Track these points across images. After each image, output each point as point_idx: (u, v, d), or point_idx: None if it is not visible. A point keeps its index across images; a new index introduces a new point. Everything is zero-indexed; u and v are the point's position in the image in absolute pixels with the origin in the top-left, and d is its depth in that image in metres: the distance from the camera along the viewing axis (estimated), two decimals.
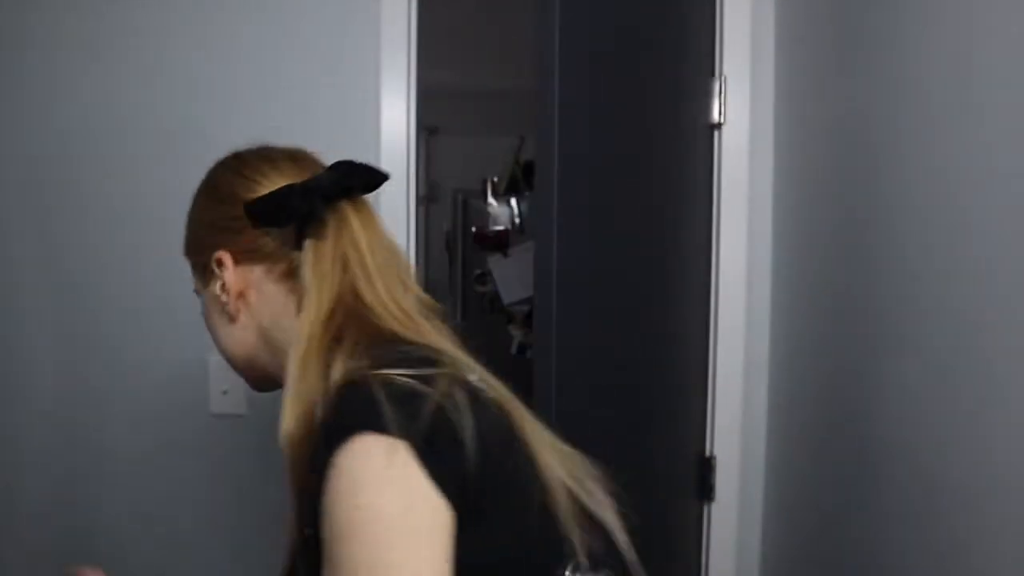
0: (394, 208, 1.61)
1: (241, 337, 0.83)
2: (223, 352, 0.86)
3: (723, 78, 1.58)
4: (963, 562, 0.93)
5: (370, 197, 0.91)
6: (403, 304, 0.79)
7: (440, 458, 0.65)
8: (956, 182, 0.96)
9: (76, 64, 1.64)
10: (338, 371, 0.70)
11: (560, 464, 0.79)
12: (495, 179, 3.32)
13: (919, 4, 1.06)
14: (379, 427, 0.64)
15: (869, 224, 1.19)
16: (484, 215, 3.29)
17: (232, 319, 0.83)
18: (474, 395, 0.71)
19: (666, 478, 1.53)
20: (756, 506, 1.64)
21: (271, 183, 0.81)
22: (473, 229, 3.29)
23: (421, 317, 0.80)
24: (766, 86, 1.59)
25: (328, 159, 1.72)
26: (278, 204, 0.79)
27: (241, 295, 0.82)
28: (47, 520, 1.69)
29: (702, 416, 1.64)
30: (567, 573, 1.06)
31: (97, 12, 1.63)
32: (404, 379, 0.67)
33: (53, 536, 1.70)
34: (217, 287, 0.82)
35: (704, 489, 1.63)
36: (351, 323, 0.74)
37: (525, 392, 0.88)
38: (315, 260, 0.77)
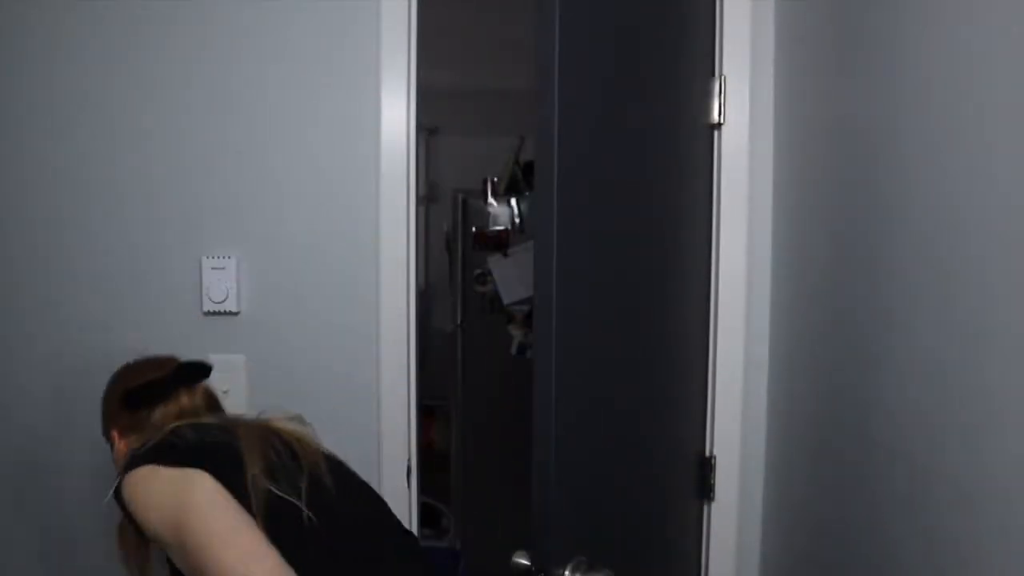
0: (394, 208, 1.61)
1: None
2: None
3: (723, 78, 1.58)
4: (963, 562, 0.93)
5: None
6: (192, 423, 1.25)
7: (171, 458, 1.12)
8: (956, 182, 0.96)
9: (83, 68, 1.64)
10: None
11: (255, 463, 1.14)
12: (495, 179, 3.32)
13: (919, 4, 1.06)
14: (130, 467, 1.13)
15: (869, 224, 1.19)
16: (484, 215, 3.29)
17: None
18: (202, 428, 1.20)
19: (666, 478, 1.53)
20: (756, 506, 1.64)
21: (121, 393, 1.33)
22: (473, 229, 3.29)
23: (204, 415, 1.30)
24: (766, 86, 1.59)
25: (328, 159, 1.72)
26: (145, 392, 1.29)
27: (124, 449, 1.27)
28: (47, 520, 1.69)
29: (702, 416, 1.64)
30: (567, 573, 1.06)
31: (99, 9, 1.63)
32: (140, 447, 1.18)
33: (53, 536, 1.70)
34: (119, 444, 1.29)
35: (704, 489, 1.63)
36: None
37: (525, 392, 0.91)
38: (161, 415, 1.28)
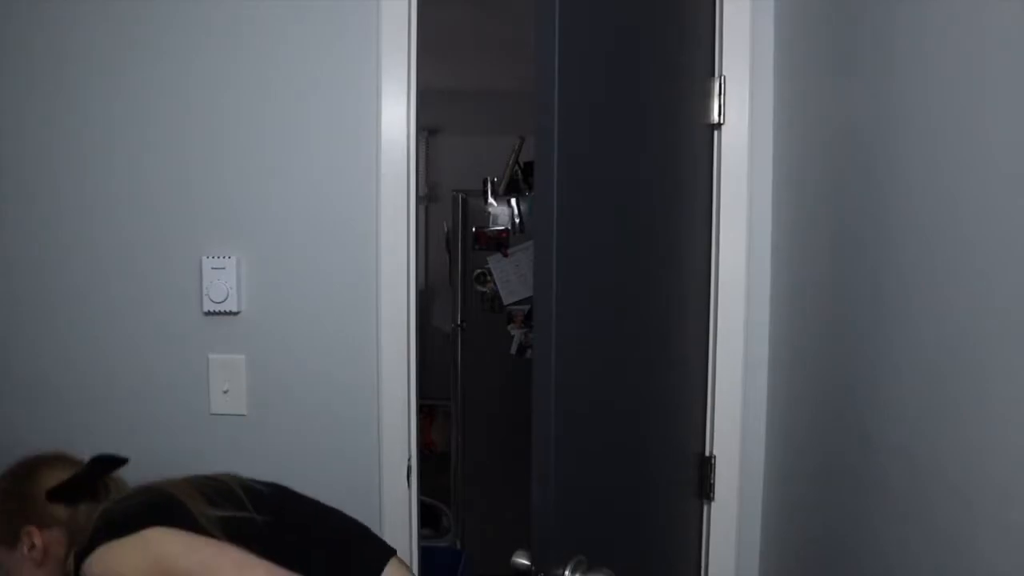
0: (394, 208, 1.61)
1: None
2: None
3: (723, 78, 1.58)
4: (962, 562, 0.93)
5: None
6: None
7: (119, 527, 1.18)
8: (955, 181, 0.96)
9: (83, 69, 1.64)
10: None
11: (192, 498, 1.23)
12: (495, 179, 3.32)
13: (918, 4, 1.06)
14: (84, 554, 1.18)
15: (868, 223, 1.19)
16: (484, 215, 3.29)
17: (39, 564, 1.27)
18: (130, 498, 1.26)
19: (666, 478, 1.53)
20: (756, 506, 1.64)
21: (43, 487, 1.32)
22: (473, 229, 3.29)
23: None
24: (766, 86, 1.59)
25: (328, 159, 1.72)
26: (84, 479, 1.30)
27: (46, 548, 1.27)
28: None
29: (702, 416, 1.64)
30: (567, 572, 1.06)
31: (98, 15, 1.63)
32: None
33: None
34: (25, 549, 1.27)
35: (704, 489, 1.63)
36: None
37: (525, 392, 0.91)
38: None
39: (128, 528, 1.16)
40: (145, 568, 1.13)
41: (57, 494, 1.30)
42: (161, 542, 1.14)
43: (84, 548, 1.18)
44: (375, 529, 1.63)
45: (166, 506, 1.20)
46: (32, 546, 1.27)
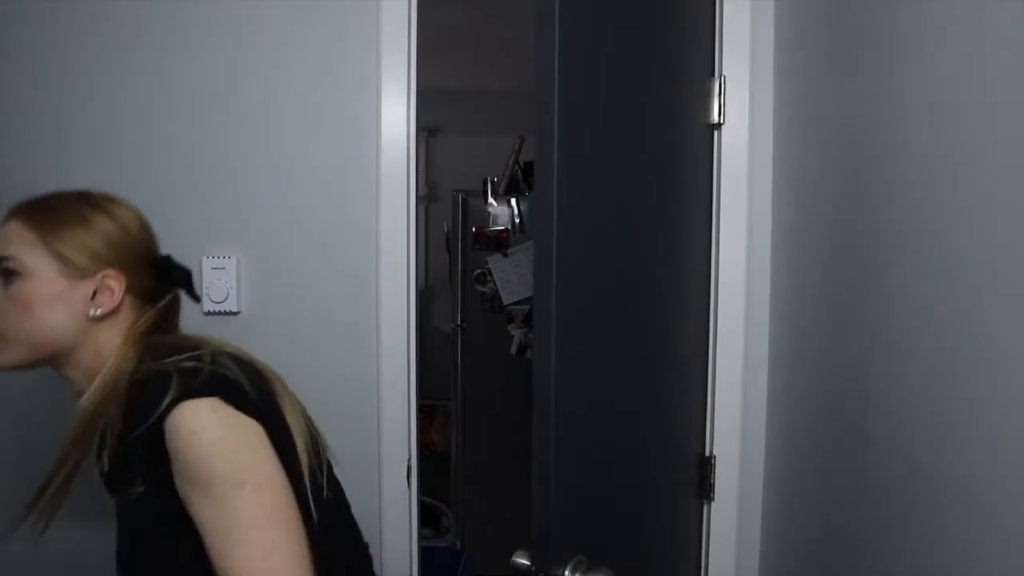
0: (394, 208, 1.61)
1: (68, 331, 1.02)
2: (36, 332, 1.02)
3: (723, 78, 1.59)
4: (962, 561, 0.93)
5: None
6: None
7: (239, 399, 0.94)
8: (955, 181, 0.96)
9: (83, 68, 1.64)
10: (135, 365, 1.00)
11: (301, 434, 1.03)
12: (495, 179, 3.32)
13: (918, 4, 1.06)
14: (191, 394, 0.91)
15: (868, 224, 1.19)
16: (484, 215, 3.29)
17: (79, 318, 1.02)
18: (236, 358, 1.01)
19: (666, 478, 1.53)
20: (756, 506, 1.64)
21: (155, 249, 1.12)
22: (473, 229, 3.29)
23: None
24: (766, 86, 1.59)
25: (328, 159, 1.72)
26: (180, 273, 1.12)
27: (114, 310, 1.04)
28: None
29: (702, 416, 1.64)
30: (567, 572, 1.06)
31: (97, 12, 1.63)
32: (181, 362, 0.95)
33: (51, 537, 1.69)
34: (89, 292, 1.02)
35: (704, 489, 1.63)
36: (156, 341, 1.04)
37: (525, 392, 0.92)
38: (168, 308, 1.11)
39: (245, 404, 0.94)
40: (235, 462, 0.90)
41: (167, 261, 1.10)
42: (263, 458, 0.93)
43: (159, 400, 0.90)
44: (375, 529, 1.64)
45: (275, 415, 0.99)
46: (106, 291, 1.03)
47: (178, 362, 0.95)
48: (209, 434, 0.90)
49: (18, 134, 1.65)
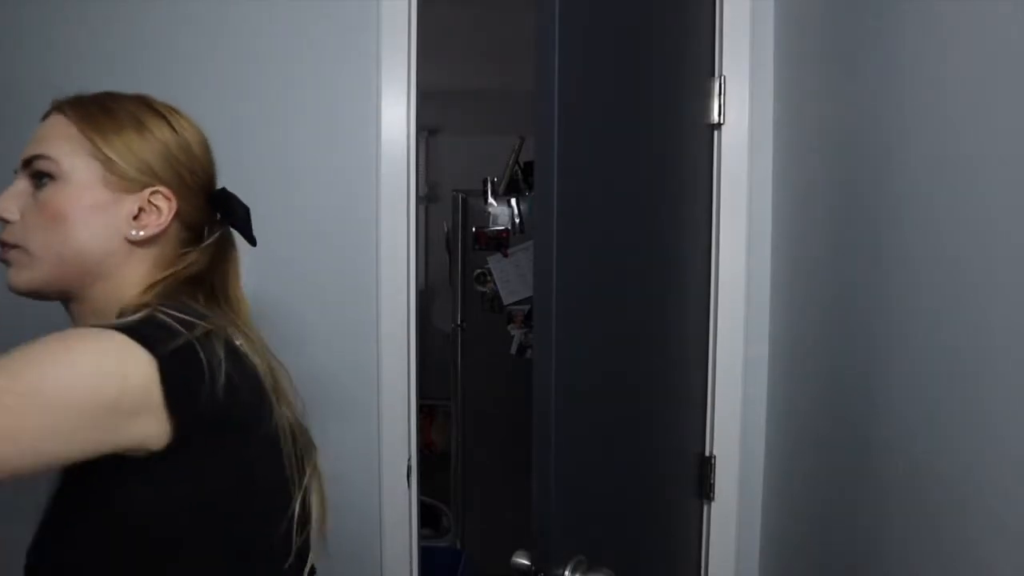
0: (394, 208, 1.61)
1: (101, 252, 0.87)
2: (66, 248, 0.86)
3: (723, 78, 1.59)
4: (962, 561, 0.93)
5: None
6: (236, 295, 0.95)
7: (176, 379, 0.74)
8: (956, 180, 0.96)
9: (84, 67, 1.64)
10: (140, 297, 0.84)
11: (292, 436, 0.89)
12: (495, 179, 3.32)
13: (918, 4, 1.06)
14: (143, 341, 0.73)
15: (868, 223, 1.19)
16: (484, 215, 3.29)
17: (118, 239, 0.87)
18: (231, 349, 0.83)
19: (666, 478, 1.53)
20: (756, 506, 1.64)
21: (215, 177, 0.99)
22: (473, 229, 3.29)
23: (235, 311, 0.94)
24: (766, 86, 1.59)
25: (328, 159, 1.72)
26: (240, 209, 0.96)
27: (156, 236, 0.89)
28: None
29: (702, 416, 1.64)
30: (567, 572, 1.07)
31: (96, 11, 1.63)
32: (172, 319, 0.78)
33: None
34: (134, 208, 0.87)
35: (704, 489, 1.63)
36: (182, 288, 0.88)
37: (525, 392, 0.92)
38: (218, 246, 0.95)
39: (152, 343, 0.74)
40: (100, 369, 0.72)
41: (225, 192, 0.96)
42: (101, 356, 0.72)
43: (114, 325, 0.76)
44: (375, 529, 1.64)
45: (187, 354, 0.77)
46: (153, 211, 0.88)
47: (167, 314, 0.79)
48: (90, 344, 0.73)
49: (16, 135, 1.65)
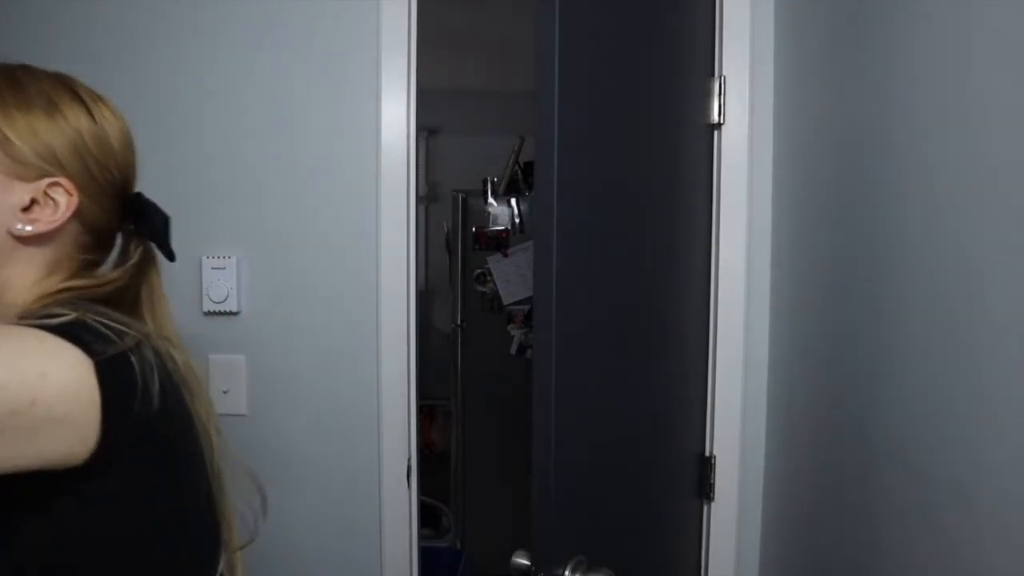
0: (394, 208, 1.61)
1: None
2: None
3: (723, 78, 1.58)
4: (962, 561, 0.93)
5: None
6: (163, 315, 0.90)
7: (114, 386, 0.68)
8: (956, 181, 0.96)
9: (81, 69, 1.64)
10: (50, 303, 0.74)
11: (213, 447, 0.83)
12: (495, 179, 3.32)
13: (918, 4, 1.06)
14: (77, 342, 0.66)
15: (868, 224, 1.19)
16: (484, 215, 3.29)
17: (9, 232, 0.77)
18: (158, 355, 0.76)
19: (666, 478, 1.53)
20: (756, 506, 1.64)
21: (133, 180, 0.89)
22: (473, 229, 3.29)
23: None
24: (766, 86, 1.59)
25: (328, 159, 1.72)
26: (157, 217, 0.89)
27: (49, 235, 0.78)
28: None
29: (702, 416, 1.64)
30: (567, 572, 1.07)
31: (94, 11, 1.63)
32: (102, 324, 0.71)
33: None
34: (25, 199, 0.76)
35: (704, 489, 1.63)
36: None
37: (525, 392, 0.92)
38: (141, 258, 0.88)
39: (90, 348, 0.68)
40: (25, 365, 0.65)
41: (140, 198, 0.86)
42: (47, 358, 0.66)
43: (50, 327, 0.68)
44: (375, 529, 1.64)
45: (123, 362, 0.71)
46: (48, 204, 0.77)
47: (95, 320, 0.71)
48: (19, 343, 0.66)
49: None
